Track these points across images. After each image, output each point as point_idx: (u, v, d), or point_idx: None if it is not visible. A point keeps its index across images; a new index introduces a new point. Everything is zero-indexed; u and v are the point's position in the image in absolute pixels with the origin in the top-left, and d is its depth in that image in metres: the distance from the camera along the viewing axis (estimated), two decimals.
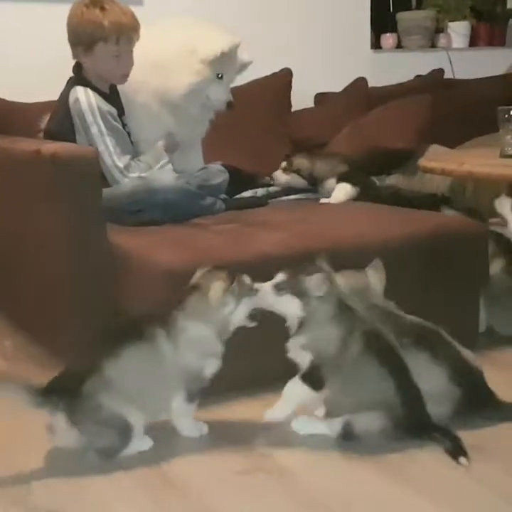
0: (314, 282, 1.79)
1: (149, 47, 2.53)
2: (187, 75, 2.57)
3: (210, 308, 1.81)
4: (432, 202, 2.68)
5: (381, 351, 1.79)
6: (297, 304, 1.82)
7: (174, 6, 3.25)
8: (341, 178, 2.79)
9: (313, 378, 1.82)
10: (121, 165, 2.43)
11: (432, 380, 1.82)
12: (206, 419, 1.94)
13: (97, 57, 2.46)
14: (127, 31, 2.47)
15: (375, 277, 1.96)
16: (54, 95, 2.61)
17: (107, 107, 2.46)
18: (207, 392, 2.00)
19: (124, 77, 2.53)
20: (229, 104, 2.65)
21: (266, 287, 1.85)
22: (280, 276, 1.84)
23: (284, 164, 2.88)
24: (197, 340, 1.81)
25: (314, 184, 2.85)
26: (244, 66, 2.71)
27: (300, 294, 1.81)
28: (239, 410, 2.00)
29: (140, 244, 2.19)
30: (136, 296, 2.15)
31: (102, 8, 2.45)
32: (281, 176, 2.89)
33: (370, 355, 1.77)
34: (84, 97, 2.42)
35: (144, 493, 1.65)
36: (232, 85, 2.71)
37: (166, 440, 1.87)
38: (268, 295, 1.84)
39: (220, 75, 2.60)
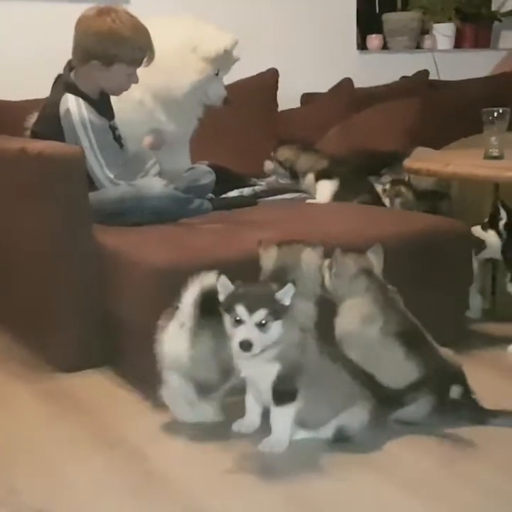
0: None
1: None
2: (189, 73, 2.59)
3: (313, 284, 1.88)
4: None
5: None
6: None
7: (161, 6, 3.24)
8: (319, 176, 2.80)
9: None
10: (111, 175, 2.43)
11: (403, 375, 1.83)
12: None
13: (111, 74, 2.45)
14: (150, 54, 2.47)
15: (375, 261, 1.98)
16: (38, 93, 2.60)
17: (98, 120, 2.45)
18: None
19: (124, 91, 2.53)
20: (226, 100, 2.68)
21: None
22: None
23: (272, 153, 2.90)
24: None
25: (294, 177, 2.86)
26: (235, 62, 2.72)
27: None
28: (226, 409, 2.00)
29: (127, 244, 2.19)
30: (124, 296, 2.15)
31: (134, 28, 2.41)
32: (269, 165, 2.90)
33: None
34: (75, 108, 2.40)
35: (129, 491, 1.65)
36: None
37: (151, 439, 1.87)
38: None
39: (216, 72, 2.61)
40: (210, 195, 2.70)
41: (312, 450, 1.79)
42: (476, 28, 4.28)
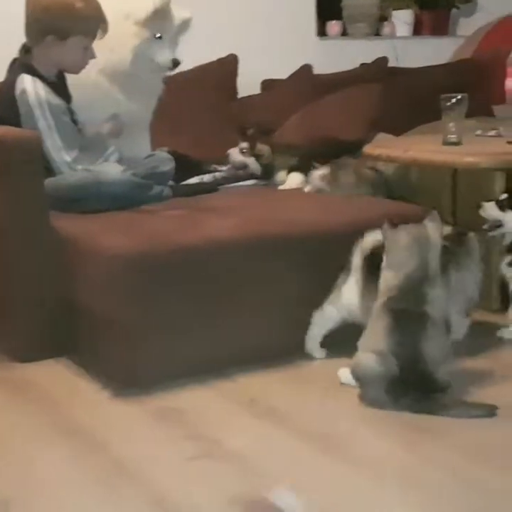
0: None
1: None
2: (127, 40, 2.56)
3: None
4: None
5: None
6: None
7: None
8: (291, 169, 2.81)
9: None
10: (69, 159, 2.40)
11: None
12: (155, 406, 1.94)
13: (67, 48, 2.42)
14: (103, 25, 2.44)
15: (433, 229, 1.96)
16: None
17: (55, 100, 2.41)
18: (155, 380, 1.99)
19: (82, 69, 2.49)
20: (175, 62, 2.64)
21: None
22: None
23: (244, 145, 2.88)
24: None
25: (267, 173, 2.85)
26: (185, 23, 2.69)
27: None
28: (187, 397, 1.99)
29: (87, 230, 2.16)
30: (82, 284, 2.12)
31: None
32: (237, 156, 2.88)
33: None
34: (32, 88, 2.36)
35: (94, 479, 1.63)
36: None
37: (111, 427, 1.85)
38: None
39: (158, 35, 2.59)
40: (171, 182, 2.68)
41: (273, 435, 1.80)
42: (434, 15, 4.30)
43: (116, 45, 2.56)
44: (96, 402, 1.99)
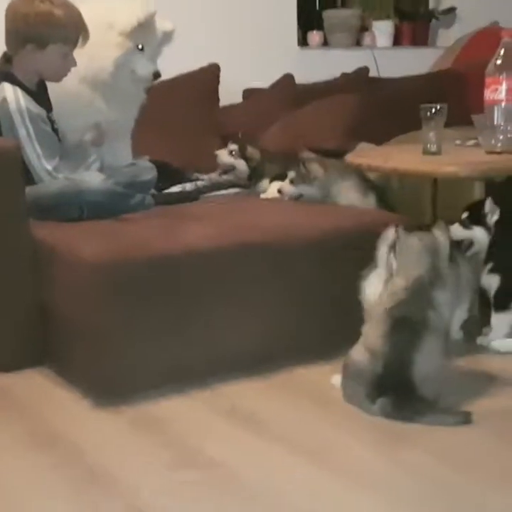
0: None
1: None
2: (110, 50, 2.56)
3: None
4: None
5: None
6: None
7: None
8: (273, 178, 2.81)
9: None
10: (49, 167, 2.39)
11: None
12: (135, 416, 1.93)
13: (46, 56, 2.41)
14: (84, 33, 2.44)
15: (441, 237, 1.99)
16: None
17: (36, 109, 2.41)
18: (134, 389, 1.99)
19: (63, 77, 2.49)
20: (155, 75, 2.64)
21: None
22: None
23: (233, 147, 2.88)
24: None
25: (255, 177, 2.86)
26: (167, 36, 2.70)
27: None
28: (166, 406, 1.99)
29: (66, 239, 2.15)
30: (62, 292, 2.11)
31: (64, 6, 2.40)
32: (226, 157, 2.88)
33: None
34: (13, 97, 2.36)
35: (70, 489, 1.62)
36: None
37: (90, 436, 1.84)
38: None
39: (140, 47, 2.59)
40: (152, 190, 2.67)
41: (256, 443, 1.80)
42: (414, 26, 4.35)
43: (98, 54, 2.56)
44: (75, 411, 1.98)
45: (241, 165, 2.88)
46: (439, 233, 1.99)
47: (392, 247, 2.01)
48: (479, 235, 2.35)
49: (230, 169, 2.90)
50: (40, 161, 2.38)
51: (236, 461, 1.72)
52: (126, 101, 2.72)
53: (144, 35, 2.59)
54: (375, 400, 1.86)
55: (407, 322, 1.88)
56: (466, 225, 2.36)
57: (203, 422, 1.91)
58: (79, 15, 2.44)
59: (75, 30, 2.42)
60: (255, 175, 2.88)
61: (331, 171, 2.67)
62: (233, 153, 2.89)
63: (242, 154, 2.88)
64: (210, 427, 1.89)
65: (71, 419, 1.94)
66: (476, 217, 2.36)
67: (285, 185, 2.67)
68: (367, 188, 2.65)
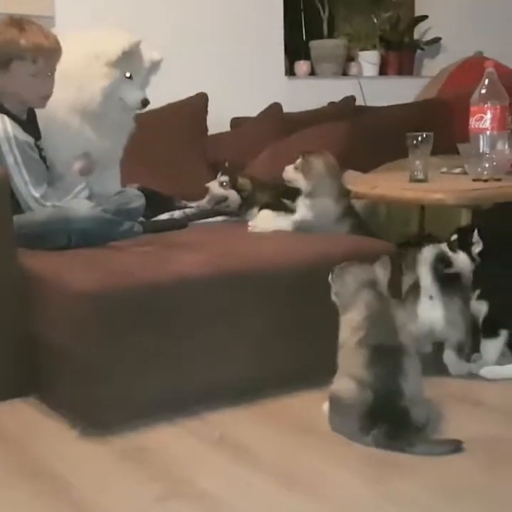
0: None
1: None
2: (97, 81, 2.57)
3: None
4: None
5: None
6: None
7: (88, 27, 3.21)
8: (262, 207, 2.81)
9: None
10: (37, 195, 2.39)
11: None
12: (122, 446, 1.91)
13: (13, 76, 2.42)
14: (45, 52, 2.44)
15: (381, 273, 2.01)
16: None
17: (23, 136, 2.41)
18: (122, 419, 1.97)
19: (43, 99, 2.49)
20: (144, 102, 2.66)
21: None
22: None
23: (223, 178, 2.89)
24: None
25: (247, 206, 2.87)
26: (155, 65, 2.71)
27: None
28: (155, 436, 1.97)
29: (54, 268, 2.14)
30: (50, 321, 2.10)
31: (21, 29, 2.42)
32: (218, 189, 2.89)
33: None
34: (0, 125, 2.37)
35: None
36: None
37: (78, 468, 1.82)
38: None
39: (128, 75, 2.61)
40: (141, 218, 2.67)
41: (245, 474, 1.78)
42: (399, 56, 4.41)
43: (86, 85, 2.58)
44: (62, 442, 1.96)
45: (233, 195, 2.89)
46: (378, 268, 2.01)
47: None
48: (462, 261, 2.36)
49: (222, 200, 2.91)
50: (28, 188, 2.38)
51: (225, 492, 1.70)
52: (116, 130, 2.73)
53: (131, 64, 2.61)
54: (369, 432, 1.85)
55: (384, 349, 1.88)
56: (452, 247, 2.37)
57: (192, 452, 1.89)
58: (41, 34, 2.43)
59: (31, 46, 2.40)
60: (246, 203, 2.89)
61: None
62: (224, 184, 2.90)
63: (233, 185, 2.89)
64: (199, 457, 1.87)
65: (58, 450, 1.91)
66: (463, 243, 2.38)
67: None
68: (344, 214, 2.65)
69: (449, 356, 2.31)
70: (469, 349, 2.33)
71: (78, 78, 2.54)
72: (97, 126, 2.66)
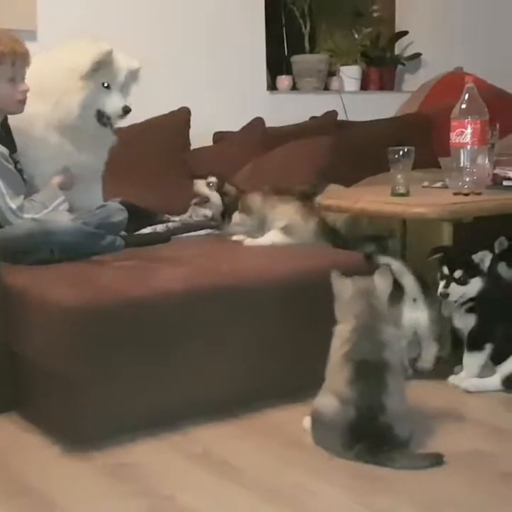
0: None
1: (33, 76, 2.49)
2: (73, 94, 2.57)
3: None
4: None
5: None
6: None
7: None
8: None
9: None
10: (14, 206, 2.37)
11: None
12: (106, 462, 1.90)
13: None
14: (21, 55, 2.45)
15: (380, 283, 2.00)
16: None
17: None
18: (105, 435, 1.95)
19: (21, 103, 2.48)
20: (125, 109, 2.64)
21: None
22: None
23: (212, 179, 2.90)
24: None
25: (226, 213, 2.87)
26: (133, 73, 2.70)
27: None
28: (138, 451, 1.96)
29: (35, 283, 2.13)
30: (31, 337, 2.08)
31: None
32: (204, 188, 2.90)
33: None
34: None
35: None
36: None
37: (59, 485, 1.80)
38: None
39: (106, 85, 2.61)
40: (123, 232, 2.67)
41: (226, 490, 1.77)
42: (380, 71, 4.44)
43: (63, 99, 2.57)
44: (45, 458, 1.94)
45: (215, 198, 2.90)
46: (378, 278, 2.00)
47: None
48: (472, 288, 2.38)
49: (204, 201, 2.91)
50: (4, 200, 2.36)
51: (208, 507, 1.70)
52: (96, 144, 2.72)
53: (106, 73, 2.60)
54: (351, 448, 1.84)
55: (369, 364, 1.88)
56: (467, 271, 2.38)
57: (176, 468, 1.88)
58: (12, 39, 2.44)
59: (8, 50, 2.41)
60: (228, 212, 2.89)
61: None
62: (211, 185, 2.91)
63: (219, 188, 2.90)
64: (182, 473, 1.86)
65: (41, 466, 1.90)
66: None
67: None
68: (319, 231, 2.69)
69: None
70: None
71: (55, 93, 2.54)
72: (76, 141, 2.65)
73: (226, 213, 2.89)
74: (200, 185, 2.92)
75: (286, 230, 2.67)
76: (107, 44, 2.59)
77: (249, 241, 2.70)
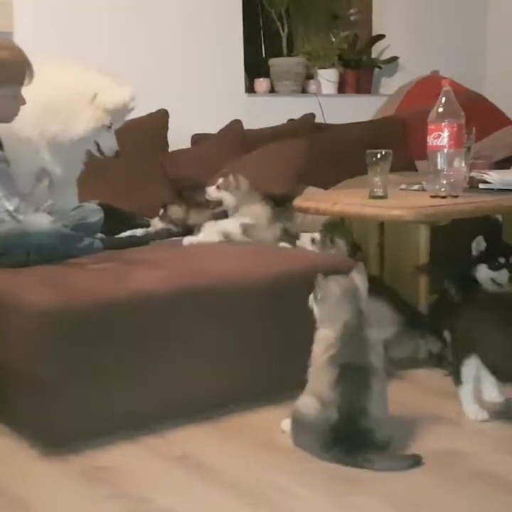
0: None
1: (41, 89, 2.47)
2: (84, 120, 2.58)
3: None
4: None
5: None
6: None
7: (46, 47, 3.16)
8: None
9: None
10: (11, 208, 2.36)
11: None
12: (82, 465, 1.88)
13: None
14: (29, 70, 2.42)
15: (359, 281, 1.98)
16: None
17: None
18: (82, 437, 1.94)
19: (15, 116, 2.47)
20: (117, 153, 2.69)
21: None
22: None
23: (161, 212, 2.91)
24: None
25: (190, 231, 2.86)
26: (129, 111, 2.72)
27: None
28: (114, 454, 1.94)
29: (11, 285, 2.11)
30: (6, 340, 2.06)
31: (5, 48, 2.40)
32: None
33: None
34: None
35: None
36: None
37: (37, 488, 1.79)
38: None
39: (110, 125, 2.63)
40: (101, 235, 2.65)
41: (205, 492, 1.76)
42: (357, 74, 4.47)
43: (69, 118, 2.57)
44: (21, 461, 1.92)
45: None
46: (356, 276, 1.98)
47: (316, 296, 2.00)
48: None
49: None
50: (1, 202, 2.34)
51: (186, 510, 1.69)
52: (72, 160, 2.73)
53: (119, 115, 2.64)
54: (330, 450, 1.85)
55: (352, 368, 1.88)
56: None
57: (153, 470, 1.87)
58: (22, 52, 2.42)
59: (20, 69, 2.40)
60: (186, 228, 2.87)
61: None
62: (162, 218, 2.92)
63: (165, 218, 2.91)
64: (160, 475, 1.85)
65: (17, 470, 1.88)
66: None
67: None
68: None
69: None
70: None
71: (64, 111, 2.55)
72: (55, 152, 2.64)
73: (186, 230, 2.86)
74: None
75: (245, 227, 2.66)
76: (133, 89, 2.62)
77: (187, 239, 2.68)
